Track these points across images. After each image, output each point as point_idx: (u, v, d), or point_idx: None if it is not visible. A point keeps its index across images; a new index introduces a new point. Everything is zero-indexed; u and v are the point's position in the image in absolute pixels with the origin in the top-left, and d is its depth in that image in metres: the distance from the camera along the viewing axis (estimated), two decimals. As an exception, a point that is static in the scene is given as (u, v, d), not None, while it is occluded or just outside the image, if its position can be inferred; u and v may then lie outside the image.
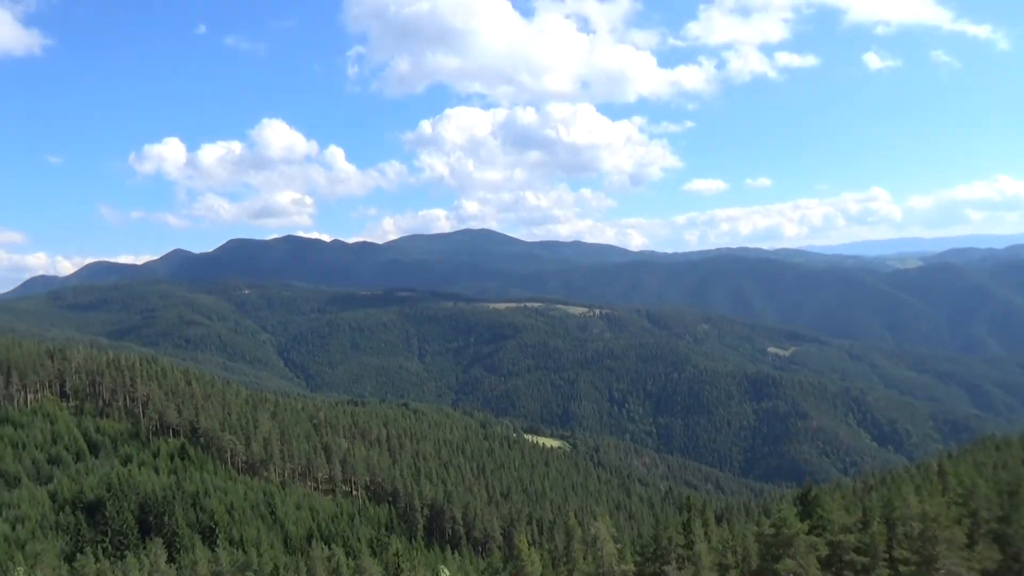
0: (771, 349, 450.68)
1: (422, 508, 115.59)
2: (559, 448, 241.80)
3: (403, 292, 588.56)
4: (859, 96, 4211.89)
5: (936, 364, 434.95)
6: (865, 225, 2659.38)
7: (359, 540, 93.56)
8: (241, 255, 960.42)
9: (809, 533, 42.68)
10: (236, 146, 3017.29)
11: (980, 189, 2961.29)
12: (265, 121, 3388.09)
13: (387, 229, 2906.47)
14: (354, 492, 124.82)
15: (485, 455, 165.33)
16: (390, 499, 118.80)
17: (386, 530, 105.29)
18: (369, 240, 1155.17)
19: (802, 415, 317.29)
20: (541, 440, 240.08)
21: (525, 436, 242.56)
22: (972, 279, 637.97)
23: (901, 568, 38.49)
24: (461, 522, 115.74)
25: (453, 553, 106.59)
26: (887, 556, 40.81)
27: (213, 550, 76.99)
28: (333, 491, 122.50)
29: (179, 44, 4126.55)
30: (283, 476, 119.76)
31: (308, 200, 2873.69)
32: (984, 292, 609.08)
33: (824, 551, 41.74)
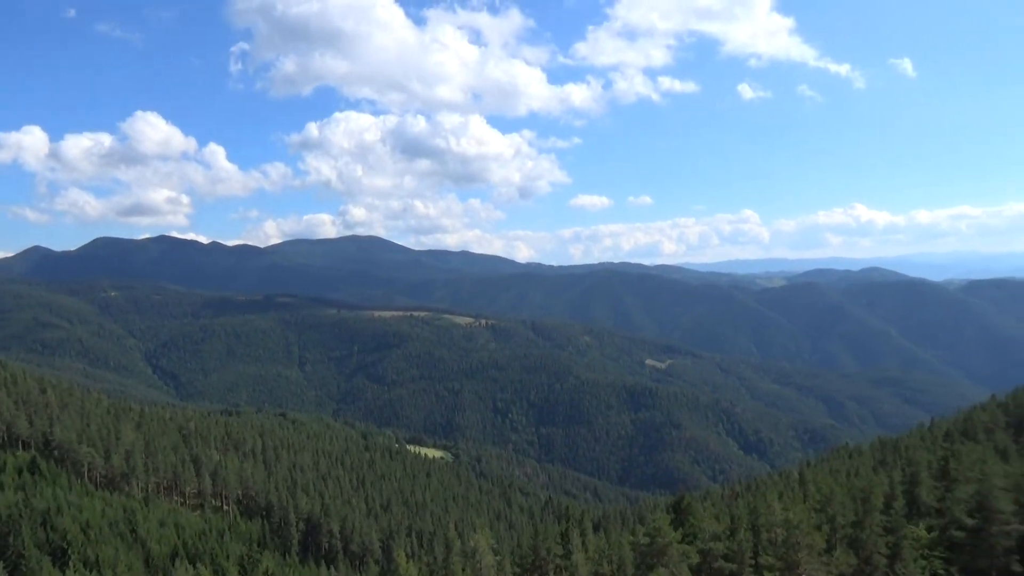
0: (649, 361, 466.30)
1: (297, 522, 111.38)
2: (441, 459, 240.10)
3: (284, 298, 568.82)
4: (733, 123, 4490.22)
5: (797, 378, 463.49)
6: (737, 245, 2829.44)
7: (227, 558, 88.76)
8: (108, 255, 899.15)
9: (681, 541, 43.91)
10: (105, 139, 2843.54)
11: (838, 216, 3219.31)
12: (139, 114, 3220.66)
13: (269, 233, 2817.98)
14: (225, 507, 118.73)
15: (365, 466, 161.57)
16: (263, 513, 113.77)
17: (258, 546, 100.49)
18: (250, 243, 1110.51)
19: (676, 425, 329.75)
20: (424, 451, 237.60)
21: (407, 447, 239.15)
22: (830, 299, 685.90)
23: (766, 574, 40.15)
24: (338, 536, 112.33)
25: (329, 568, 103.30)
26: (753, 562, 42.54)
27: (64, 572, 71.02)
28: (202, 506, 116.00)
29: (45, 27, 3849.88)
30: (147, 491, 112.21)
31: (184, 199, 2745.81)
32: (840, 311, 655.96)
33: (695, 559, 43.02)
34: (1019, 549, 42.30)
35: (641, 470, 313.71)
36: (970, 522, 43.80)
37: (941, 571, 43.17)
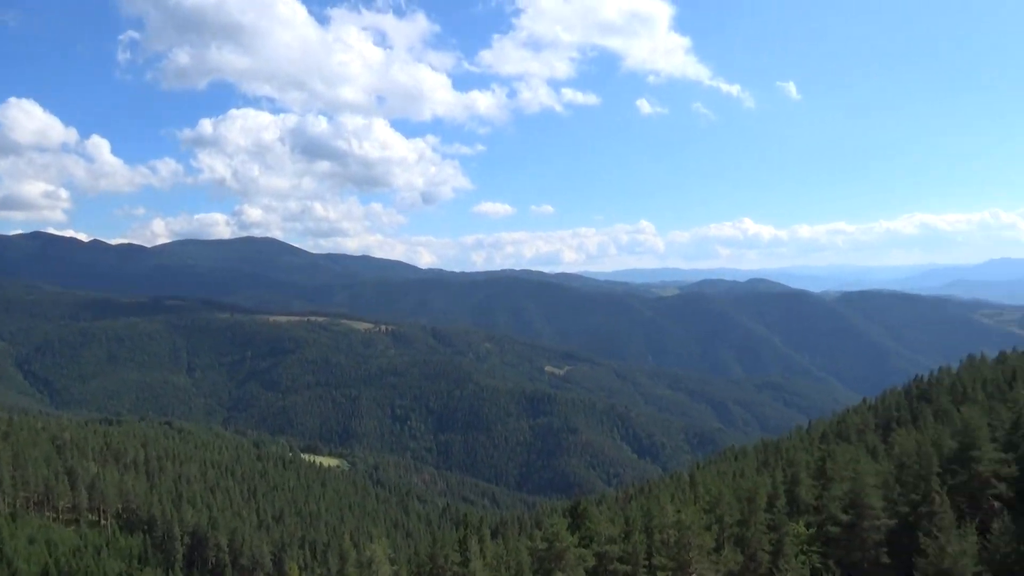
0: (548, 368, 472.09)
1: (182, 536, 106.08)
2: (337, 467, 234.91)
3: (173, 300, 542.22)
4: (632, 136, 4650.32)
5: (688, 383, 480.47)
6: (634, 254, 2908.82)
7: (104, 575, 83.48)
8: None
9: (578, 545, 44.43)
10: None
11: (728, 228, 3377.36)
12: (13, 100, 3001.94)
13: (157, 231, 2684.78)
14: (103, 522, 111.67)
15: (257, 476, 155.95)
16: (145, 528, 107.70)
17: (139, 563, 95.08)
18: (136, 242, 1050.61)
19: (573, 430, 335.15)
20: (319, 459, 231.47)
21: (302, 455, 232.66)
22: (719, 308, 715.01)
23: (659, 574, 41.15)
24: (226, 549, 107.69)
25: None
26: (647, 563, 43.54)
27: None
28: (77, 521, 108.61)
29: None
30: (14, 506, 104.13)
31: (63, 194, 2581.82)
32: (728, 320, 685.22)
33: (591, 562, 43.62)
34: (888, 542, 45.19)
35: (539, 475, 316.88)
36: (845, 518, 46.45)
37: (819, 565, 45.54)
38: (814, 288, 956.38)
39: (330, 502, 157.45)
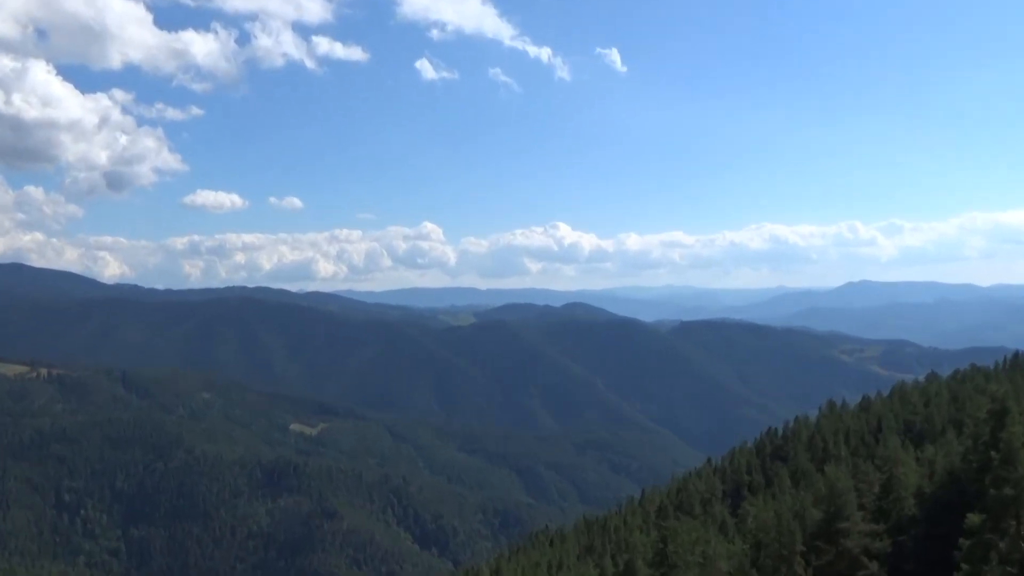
0: (295, 426, 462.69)
1: None
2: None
3: None
4: (411, 108, 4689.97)
5: (487, 443, 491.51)
6: (415, 268, 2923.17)
7: None
8: None
9: None
10: None
11: (538, 236, 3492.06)
12: None
13: None
14: None
15: None
16: None
17: None
18: None
19: (330, 514, 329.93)
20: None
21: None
22: (527, 341, 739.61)
23: None
24: None
25: None
26: None
27: None
28: None
29: None
30: None
31: None
32: (538, 357, 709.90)
33: None
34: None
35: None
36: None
37: None
38: (646, 316, 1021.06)
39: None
